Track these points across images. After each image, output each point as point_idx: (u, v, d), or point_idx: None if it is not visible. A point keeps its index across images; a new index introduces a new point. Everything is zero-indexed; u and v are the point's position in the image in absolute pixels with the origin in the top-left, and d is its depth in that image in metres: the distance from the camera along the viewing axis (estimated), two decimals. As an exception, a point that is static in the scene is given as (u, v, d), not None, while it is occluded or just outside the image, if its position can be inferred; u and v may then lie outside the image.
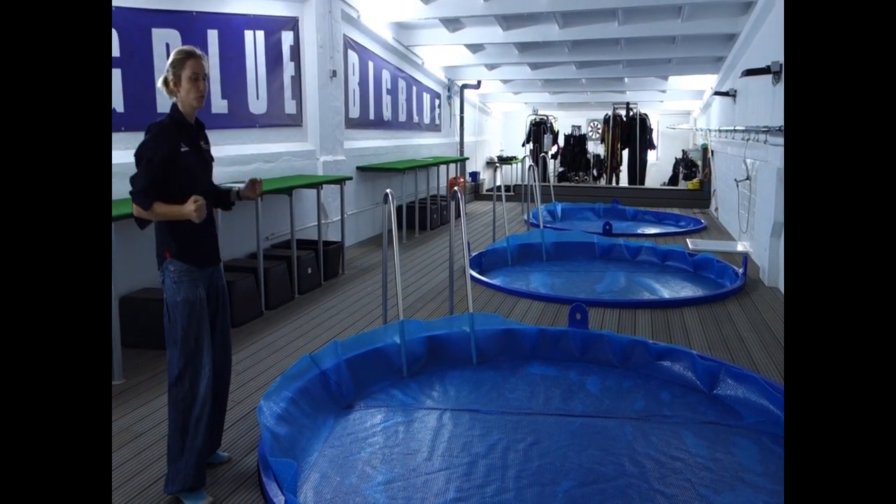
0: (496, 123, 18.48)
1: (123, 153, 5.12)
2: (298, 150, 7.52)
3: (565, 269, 8.22)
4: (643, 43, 10.63)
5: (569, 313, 5.03)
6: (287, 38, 7.16)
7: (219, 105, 6.15)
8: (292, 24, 7.25)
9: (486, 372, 4.61)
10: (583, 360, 4.79)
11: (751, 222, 8.71)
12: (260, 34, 6.65)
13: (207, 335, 2.85)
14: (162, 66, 5.52)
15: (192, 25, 5.73)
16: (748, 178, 8.78)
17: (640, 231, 10.99)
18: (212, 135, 6.15)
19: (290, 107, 7.37)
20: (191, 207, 2.67)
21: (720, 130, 10.88)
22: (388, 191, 4.82)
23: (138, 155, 2.70)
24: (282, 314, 5.72)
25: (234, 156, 6.36)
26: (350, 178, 7.68)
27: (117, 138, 5.08)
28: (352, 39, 8.75)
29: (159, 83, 2.81)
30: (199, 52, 2.79)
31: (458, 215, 8.77)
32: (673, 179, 15.90)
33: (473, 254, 8.16)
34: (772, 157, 6.79)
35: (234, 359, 4.58)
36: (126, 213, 4.28)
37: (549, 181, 13.96)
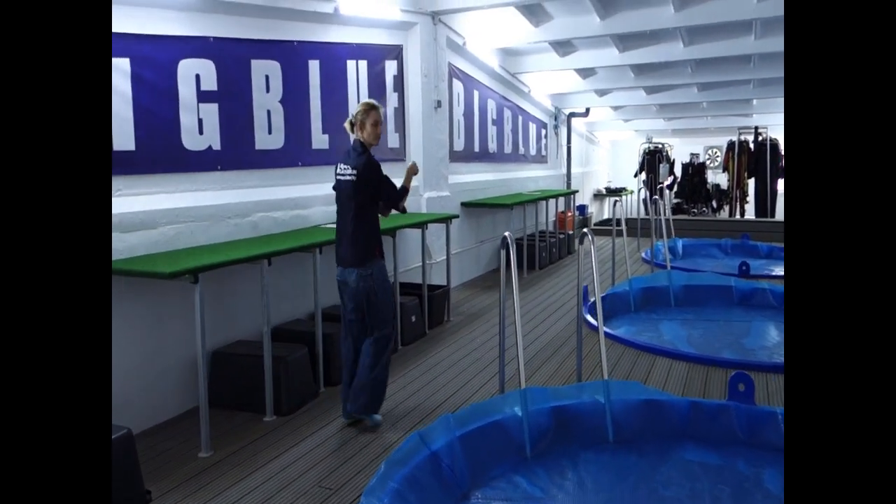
0: (603, 153, 17.49)
1: (221, 193, 4.76)
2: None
3: (700, 318, 7.15)
4: (780, 58, 9.43)
5: (729, 382, 4.06)
6: (391, 67, 6.72)
7: (319, 140, 5.74)
8: (396, 52, 6.81)
9: (628, 456, 3.74)
10: (751, 445, 3.81)
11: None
12: (363, 64, 6.24)
13: None
14: (262, 100, 5.20)
15: (293, 56, 5.37)
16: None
17: (781, 272, 9.63)
18: (312, 172, 5.74)
19: (392, 140, 6.90)
20: (411, 171, 4.15)
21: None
22: (506, 234, 4.10)
23: (381, 176, 3.89)
24: (383, 370, 5.10)
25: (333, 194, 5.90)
26: (456, 217, 7.07)
27: (213, 178, 4.73)
28: (457, 68, 8.24)
29: (346, 124, 3.94)
30: (377, 104, 3.94)
31: (586, 255, 7.92)
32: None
33: (591, 298, 7.27)
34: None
35: (329, 439, 3.95)
36: (225, 260, 3.83)
37: (664, 214, 12.76)
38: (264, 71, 5.08)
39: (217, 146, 4.68)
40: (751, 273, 8.75)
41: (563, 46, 9.18)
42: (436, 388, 4.72)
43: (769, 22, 7.87)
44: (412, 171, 4.12)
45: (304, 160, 5.56)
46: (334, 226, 5.58)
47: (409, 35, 6.99)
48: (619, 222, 8.57)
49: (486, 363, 5.23)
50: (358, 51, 6.15)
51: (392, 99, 6.81)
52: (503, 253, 4.27)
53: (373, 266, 3.81)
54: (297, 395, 4.36)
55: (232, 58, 4.77)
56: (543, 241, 9.94)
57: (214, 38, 4.60)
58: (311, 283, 4.81)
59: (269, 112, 5.16)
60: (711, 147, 17.17)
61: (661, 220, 8.49)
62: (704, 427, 3.97)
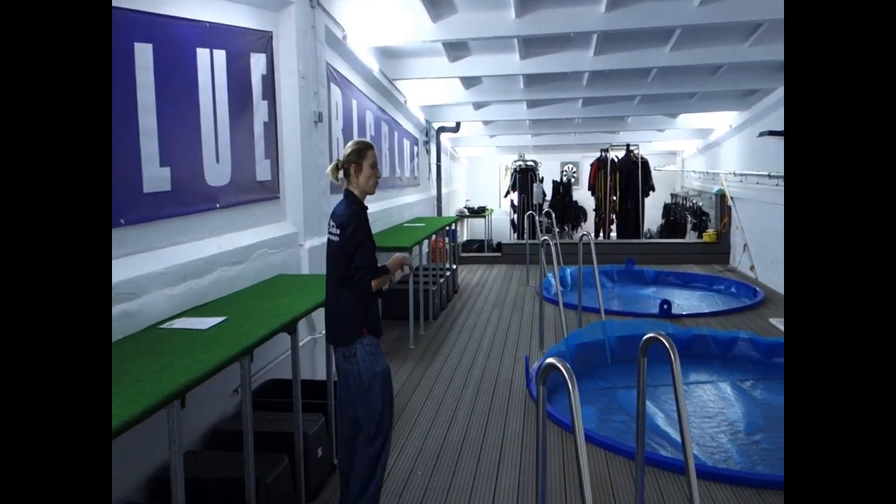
0: (462, 170, 16.25)
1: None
2: (276, 235, 4.85)
3: (652, 383, 5.93)
4: (680, 73, 8.74)
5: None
6: (258, 63, 4.55)
7: (155, 177, 3.44)
8: (265, 42, 4.65)
9: None
10: None
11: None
12: (220, 55, 4.01)
13: None
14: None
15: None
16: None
17: (698, 308, 8.90)
18: (144, 232, 3.29)
19: (262, 170, 4.72)
20: (399, 260, 3.27)
21: (771, 175, 9.04)
22: (551, 359, 2.34)
23: (358, 240, 3.09)
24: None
25: (181, 264, 3.63)
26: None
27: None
28: (335, 69, 6.23)
29: (329, 169, 3.22)
30: (371, 143, 3.31)
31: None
32: (669, 228, 14.13)
33: (534, 365, 5.72)
34: None
35: None
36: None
37: (538, 238, 11.71)
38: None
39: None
40: (672, 313, 7.85)
41: (456, 49, 7.57)
42: None
43: (692, 31, 6.96)
44: (400, 260, 3.28)
45: (128, 214, 3.23)
46: (180, 325, 3.39)
47: (280, 19, 4.86)
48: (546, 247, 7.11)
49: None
50: (212, 35, 3.92)
51: (261, 109, 4.63)
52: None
53: (357, 346, 3.12)
54: None
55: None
56: (434, 282, 8.19)
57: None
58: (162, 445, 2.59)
59: (60, 132, 2.80)
60: (568, 163, 16.77)
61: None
62: None
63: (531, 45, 7.41)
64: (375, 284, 3.11)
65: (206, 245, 3.96)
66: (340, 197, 6.60)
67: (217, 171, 4.06)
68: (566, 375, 2.32)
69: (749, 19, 6.47)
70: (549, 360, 2.41)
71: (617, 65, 7.64)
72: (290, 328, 3.45)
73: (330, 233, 3.24)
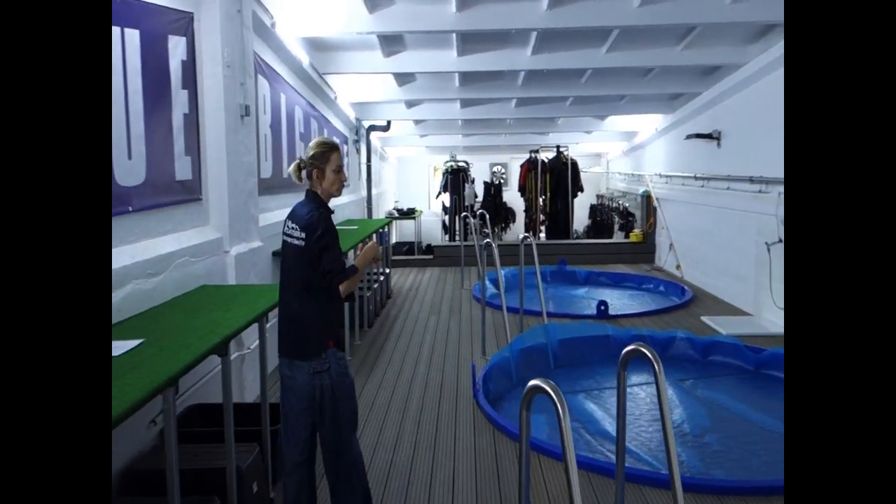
0: (391, 171, 15.85)
1: None
2: (198, 242, 4.35)
3: (600, 386, 5.83)
4: (614, 75, 8.77)
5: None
6: (177, 48, 4.04)
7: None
8: (185, 24, 4.14)
9: None
10: None
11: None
12: (133, 35, 3.49)
13: None
14: None
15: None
16: (781, 241, 7.06)
17: (616, 304, 8.93)
18: None
19: (182, 168, 4.21)
20: (371, 252, 3.06)
21: (696, 177, 9.24)
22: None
23: (325, 242, 2.83)
24: None
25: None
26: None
27: None
28: (262, 60, 5.74)
29: (291, 168, 2.93)
30: (336, 142, 3.09)
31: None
32: (596, 228, 14.31)
33: (479, 372, 5.46)
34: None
35: None
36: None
37: (470, 239, 11.53)
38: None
39: None
40: (609, 314, 7.82)
41: (392, 43, 7.22)
42: None
43: (629, 32, 6.93)
44: (372, 252, 3.09)
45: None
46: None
47: (203, 0, 4.36)
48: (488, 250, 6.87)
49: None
50: (123, 11, 3.40)
51: (180, 99, 4.12)
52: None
53: (328, 359, 2.91)
54: None
55: None
56: (369, 288, 7.80)
57: None
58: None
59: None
60: (497, 164, 16.71)
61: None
62: None
63: (469, 41, 7.18)
64: (344, 288, 2.90)
65: (118, 255, 3.44)
66: (271, 198, 6.15)
67: (129, 169, 3.54)
68: (555, 398, 2.07)
69: (685, 22, 6.50)
70: (535, 381, 2.14)
71: (554, 65, 7.54)
72: (221, 349, 3.02)
73: (289, 235, 2.94)
